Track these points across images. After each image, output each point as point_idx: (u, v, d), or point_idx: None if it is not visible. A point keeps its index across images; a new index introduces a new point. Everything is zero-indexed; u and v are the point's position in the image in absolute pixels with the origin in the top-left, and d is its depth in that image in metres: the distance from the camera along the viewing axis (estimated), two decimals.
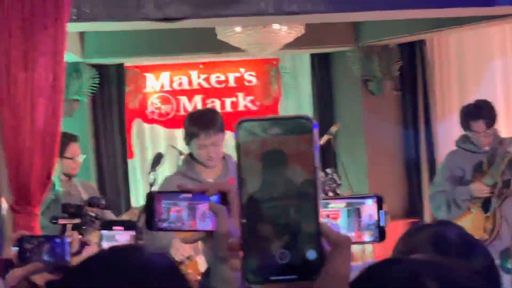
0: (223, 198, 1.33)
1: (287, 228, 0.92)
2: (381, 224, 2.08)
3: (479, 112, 5.06)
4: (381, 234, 2.07)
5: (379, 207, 2.10)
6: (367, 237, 2.11)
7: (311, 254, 0.91)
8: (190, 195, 1.41)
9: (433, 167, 7.28)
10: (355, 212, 2.13)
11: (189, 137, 4.14)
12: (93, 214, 3.54)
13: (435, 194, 5.32)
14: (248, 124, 0.94)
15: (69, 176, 5.34)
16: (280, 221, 0.92)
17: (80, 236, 2.71)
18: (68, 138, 5.23)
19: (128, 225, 2.03)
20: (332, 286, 0.93)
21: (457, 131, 6.13)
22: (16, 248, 2.26)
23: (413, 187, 7.63)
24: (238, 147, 0.94)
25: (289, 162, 0.92)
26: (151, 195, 1.45)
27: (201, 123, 4.09)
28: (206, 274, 3.86)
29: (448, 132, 7.26)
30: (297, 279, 0.91)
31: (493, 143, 5.13)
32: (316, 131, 0.93)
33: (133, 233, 2.02)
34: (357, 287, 0.98)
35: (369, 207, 2.11)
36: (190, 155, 4.21)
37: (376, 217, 2.10)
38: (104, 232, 2.01)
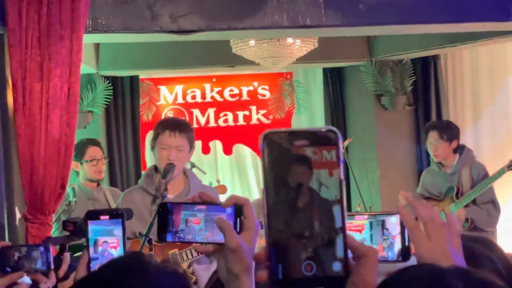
0: (238, 210, 1.33)
1: (313, 240, 0.92)
2: (406, 243, 2.01)
3: (435, 124, 6.05)
4: (405, 254, 2.00)
5: (404, 226, 2.03)
6: (389, 255, 2.05)
7: (337, 266, 0.92)
8: (205, 207, 1.40)
9: None
10: (378, 229, 2.08)
11: (154, 138, 3.98)
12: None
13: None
14: (274, 135, 0.94)
15: (96, 182, 5.32)
16: (305, 233, 0.92)
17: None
18: (85, 143, 5.26)
19: (114, 214, 1.88)
20: None
21: (471, 147, 6.12)
22: None
23: None
24: (264, 158, 0.94)
25: (314, 174, 0.93)
26: (164, 206, 1.43)
27: (168, 123, 4.01)
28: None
29: None
30: None
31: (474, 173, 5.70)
32: (341, 144, 0.94)
33: (119, 221, 1.88)
34: None
35: (393, 225, 2.05)
36: (155, 167, 4.04)
37: (399, 236, 2.03)
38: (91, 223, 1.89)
